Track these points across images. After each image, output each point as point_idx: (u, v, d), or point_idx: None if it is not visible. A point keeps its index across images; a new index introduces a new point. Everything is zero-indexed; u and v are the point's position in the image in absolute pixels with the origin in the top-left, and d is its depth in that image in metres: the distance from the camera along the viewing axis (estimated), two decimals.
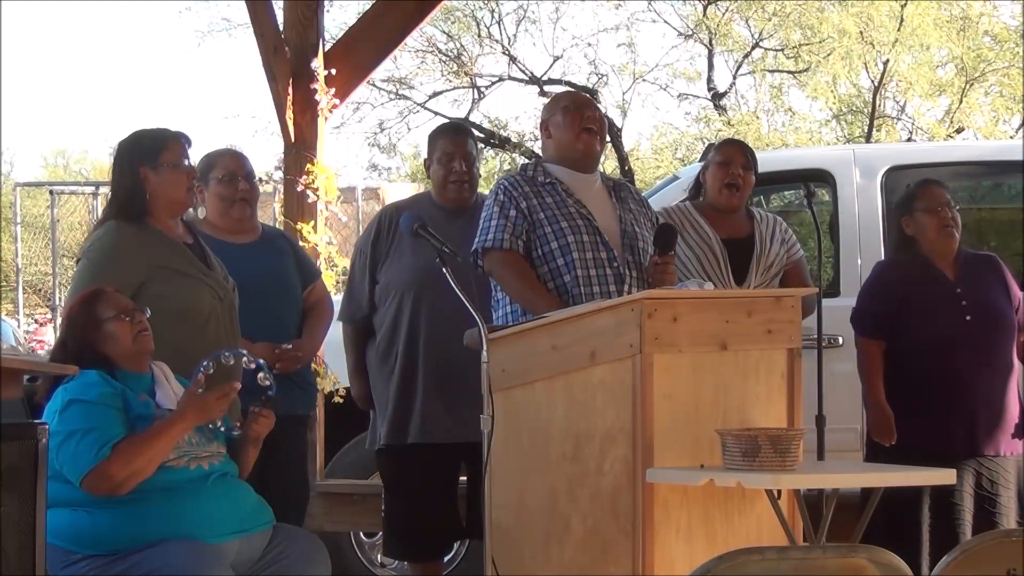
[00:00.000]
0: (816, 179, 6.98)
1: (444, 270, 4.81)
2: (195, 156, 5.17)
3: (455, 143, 5.83)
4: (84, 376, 4.48)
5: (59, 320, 5.38)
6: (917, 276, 5.63)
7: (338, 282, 7.13)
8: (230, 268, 5.30)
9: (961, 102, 22.29)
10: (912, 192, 5.77)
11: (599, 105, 5.50)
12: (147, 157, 4.96)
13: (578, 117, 5.25)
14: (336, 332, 5.99)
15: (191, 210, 5.44)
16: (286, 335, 5.50)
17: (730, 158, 5.80)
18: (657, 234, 5.21)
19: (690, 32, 23.72)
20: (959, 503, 5.48)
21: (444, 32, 23.33)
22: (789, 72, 24.10)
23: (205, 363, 4.53)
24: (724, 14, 23.14)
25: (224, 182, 5.46)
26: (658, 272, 5.11)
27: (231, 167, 5.51)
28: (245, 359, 4.61)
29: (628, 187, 5.47)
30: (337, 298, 6.20)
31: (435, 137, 5.93)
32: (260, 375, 4.67)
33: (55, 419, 4.41)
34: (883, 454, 5.49)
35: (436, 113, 23.60)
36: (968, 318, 5.55)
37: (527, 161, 5.33)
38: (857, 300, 5.81)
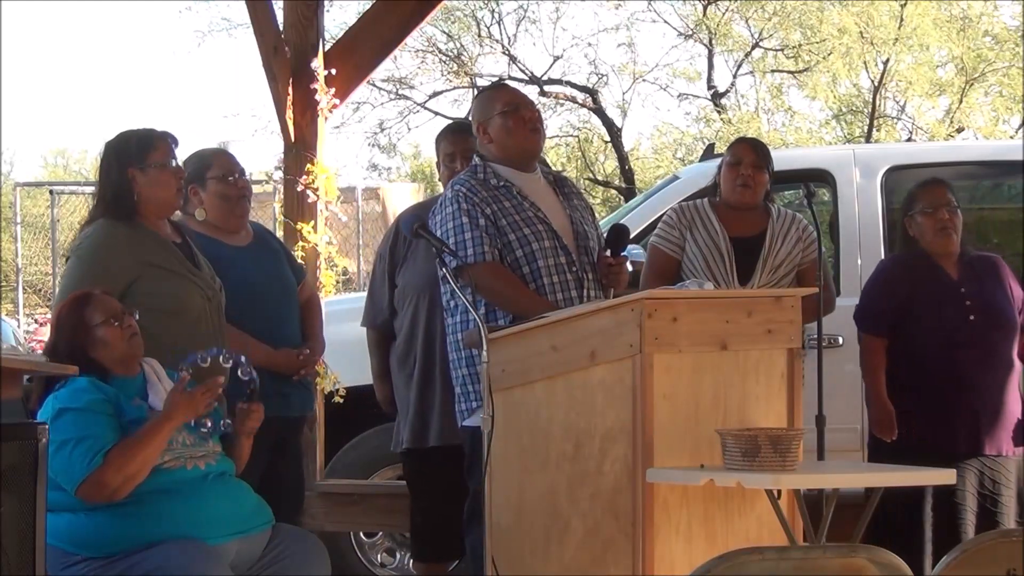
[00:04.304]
0: (816, 179, 6.98)
1: (444, 271, 4.81)
2: (182, 155, 5.14)
3: (455, 143, 5.84)
4: (74, 383, 4.45)
5: (52, 317, 5.36)
6: (921, 275, 5.62)
7: (338, 282, 7.13)
8: (234, 271, 5.30)
9: (961, 102, 22.30)
10: (912, 193, 5.77)
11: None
12: (135, 158, 4.94)
13: (520, 120, 5.17)
14: (335, 333, 5.99)
15: (180, 212, 5.44)
16: (293, 336, 5.49)
17: (740, 157, 5.81)
18: (610, 236, 5.21)
19: (690, 32, 23.72)
20: (961, 503, 5.47)
21: (444, 32, 23.34)
22: (789, 72, 24.10)
23: (182, 368, 4.53)
24: (724, 14, 23.14)
25: (225, 181, 5.43)
26: (612, 274, 5.13)
27: (228, 165, 5.48)
28: (221, 357, 4.60)
29: (568, 180, 5.45)
30: (332, 298, 6.20)
31: (439, 139, 5.95)
32: (239, 371, 4.65)
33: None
34: (885, 452, 5.48)
35: (436, 113, 23.60)
36: (972, 318, 5.55)
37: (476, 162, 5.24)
38: (860, 297, 5.81)
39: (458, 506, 5.70)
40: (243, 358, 4.68)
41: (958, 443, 5.48)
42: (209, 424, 4.57)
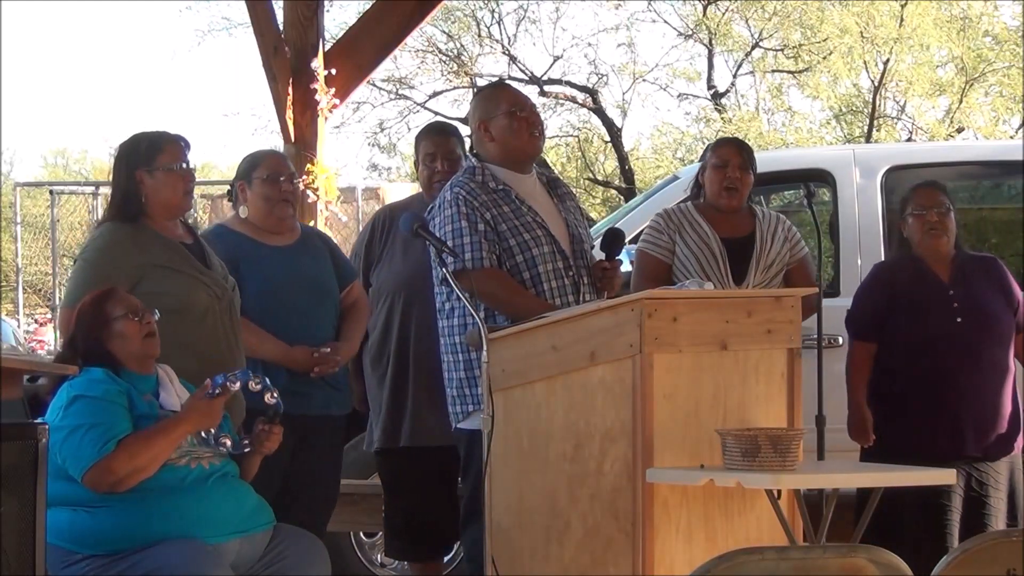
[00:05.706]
0: (816, 179, 6.98)
1: (444, 271, 4.81)
2: (197, 158, 5.17)
3: (436, 143, 5.85)
4: (90, 373, 4.49)
5: (58, 319, 5.37)
6: (909, 277, 5.61)
7: None
8: (267, 270, 5.35)
9: (961, 102, 22.32)
10: (906, 195, 5.77)
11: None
12: (143, 160, 4.96)
13: (524, 122, 5.15)
14: None
15: (238, 209, 5.49)
16: (322, 337, 5.46)
17: (726, 160, 5.80)
18: (605, 240, 5.22)
19: (690, 32, 23.75)
20: (948, 504, 5.45)
21: (444, 32, 23.36)
22: (789, 72, 24.13)
23: (214, 387, 4.53)
24: (724, 14, 23.17)
25: (269, 182, 5.46)
26: (607, 278, 5.14)
27: (275, 167, 5.52)
28: (251, 382, 4.61)
29: (561, 182, 5.44)
30: None
31: (419, 139, 5.97)
32: (266, 395, 4.66)
33: (59, 414, 4.42)
34: (873, 455, 5.48)
35: (436, 113, 23.61)
36: (958, 320, 5.53)
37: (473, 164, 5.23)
38: (851, 302, 5.82)
39: (434, 505, 5.72)
40: (269, 382, 4.70)
41: (941, 445, 5.44)
42: (228, 443, 4.58)
